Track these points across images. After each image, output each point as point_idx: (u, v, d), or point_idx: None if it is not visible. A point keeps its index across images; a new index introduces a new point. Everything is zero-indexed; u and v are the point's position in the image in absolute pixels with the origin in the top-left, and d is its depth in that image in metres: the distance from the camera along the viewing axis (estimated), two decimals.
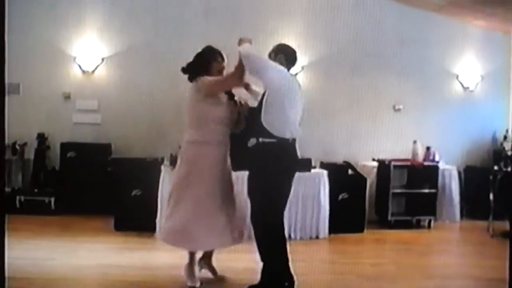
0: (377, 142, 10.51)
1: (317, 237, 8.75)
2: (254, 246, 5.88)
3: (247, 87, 6.41)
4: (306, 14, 10.40)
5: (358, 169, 9.95)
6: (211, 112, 6.06)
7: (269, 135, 5.65)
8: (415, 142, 10.26)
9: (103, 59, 10.38)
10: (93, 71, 10.38)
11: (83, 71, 10.36)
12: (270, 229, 5.77)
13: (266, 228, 5.75)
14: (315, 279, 6.61)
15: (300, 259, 6.76)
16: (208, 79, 6.11)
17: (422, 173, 10.21)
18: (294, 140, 5.75)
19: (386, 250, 8.78)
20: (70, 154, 10.02)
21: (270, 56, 6.03)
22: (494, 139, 11.33)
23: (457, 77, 11.38)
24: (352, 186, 9.42)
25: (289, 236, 8.25)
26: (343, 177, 9.50)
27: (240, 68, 5.95)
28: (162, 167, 8.79)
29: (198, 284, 6.24)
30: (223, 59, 6.47)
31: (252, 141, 5.84)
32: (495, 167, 10.02)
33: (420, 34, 10.95)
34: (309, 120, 5.88)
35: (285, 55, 6.01)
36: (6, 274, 3.77)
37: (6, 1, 3.61)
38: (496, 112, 11.19)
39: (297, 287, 5.98)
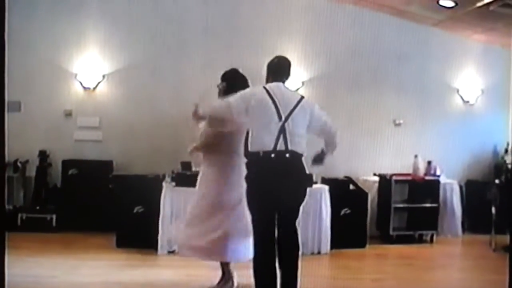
0: (378, 157, 10.52)
1: (319, 253, 8.75)
2: None
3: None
4: (305, 31, 10.43)
5: (359, 184, 9.96)
6: None
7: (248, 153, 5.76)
8: (416, 156, 10.26)
9: (104, 76, 10.39)
10: (94, 88, 10.40)
11: (84, 88, 10.38)
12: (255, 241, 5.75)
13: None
14: None
15: (302, 275, 6.74)
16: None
17: (424, 188, 10.21)
18: (268, 152, 5.50)
19: (388, 265, 8.78)
20: (71, 171, 10.03)
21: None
22: (495, 153, 11.34)
23: (458, 91, 11.40)
24: (353, 201, 9.42)
25: None
26: (345, 192, 9.51)
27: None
28: (164, 184, 8.80)
29: None
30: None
31: None
32: (496, 181, 10.03)
33: (420, 48, 10.97)
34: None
35: (267, 69, 5.99)
36: None
37: (5, 13, 3.64)
38: (497, 126, 11.18)
39: None
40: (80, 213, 9.63)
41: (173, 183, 8.72)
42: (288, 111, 5.57)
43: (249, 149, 5.68)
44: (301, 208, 5.77)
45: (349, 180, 9.89)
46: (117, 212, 8.84)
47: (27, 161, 9.94)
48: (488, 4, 8.98)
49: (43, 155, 10.04)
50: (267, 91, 5.66)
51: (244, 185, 5.80)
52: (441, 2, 9.56)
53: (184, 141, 9.90)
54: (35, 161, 10.02)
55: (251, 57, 9.30)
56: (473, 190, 11.02)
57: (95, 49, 10.36)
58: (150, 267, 7.84)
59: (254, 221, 5.71)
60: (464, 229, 10.69)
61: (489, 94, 11.44)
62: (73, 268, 7.59)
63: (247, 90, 6.02)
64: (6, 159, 4.02)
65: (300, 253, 5.76)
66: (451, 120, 11.27)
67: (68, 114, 10.36)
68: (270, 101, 5.58)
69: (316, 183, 9.09)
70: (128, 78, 10.43)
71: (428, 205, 10.10)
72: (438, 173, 10.36)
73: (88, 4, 10.35)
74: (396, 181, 10.07)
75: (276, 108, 5.55)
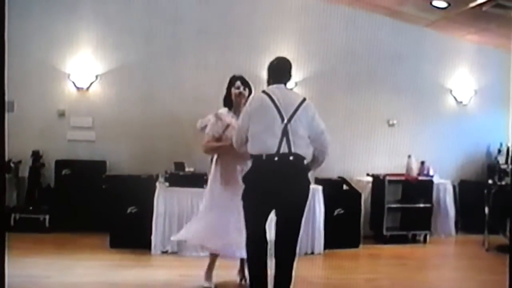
0: (372, 157, 10.53)
1: (312, 253, 8.75)
2: None
3: None
4: (299, 31, 10.45)
5: (353, 185, 9.95)
6: None
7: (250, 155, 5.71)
8: (409, 156, 10.29)
9: (97, 76, 10.37)
10: (87, 88, 10.38)
11: (78, 88, 10.35)
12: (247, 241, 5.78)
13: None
14: None
15: (296, 275, 6.75)
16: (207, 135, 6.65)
17: (417, 188, 10.23)
18: (271, 155, 5.47)
19: (381, 265, 8.79)
20: (65, 171, 10.01)
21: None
22: (488, 153, 11.37)
23: (451, 91, 11.43)
24: (347, 202, 9.44)
25: None
26: (338, 193, 9.52)
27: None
28: (157, 184, 8.80)
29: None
30: (242, 83, 6.65)
31: None
32: (490, 181, 10.06)
33: (413, 49, 10.99)
34: None
35: (269, 72, 5.98)
36: None
37: (5, 14, 3.63)
38: (490, 126, 11.21)
39: None
40: (73, 213, 9.61)
41: (167, 183, 8.72)
42: (290, 113, 5.54)
43: (251, 152, 5.65)
44: (305, 212, 5.77)
45: (342, 180, 9.89)
46: (110, 212, 8.81)
47: (20, 161, 9.91)
48: (481, 4, 8.99)
49: (36, 155, 10.02)
50: (267, 95, 5.64)
51: None
52: (434, 3, 9.57)
53: (178, 141, 9.98)
54: (28, 161, 9.99)
55: (245, 57, 9.30)
56: (466, 190, 11.05)
57: (88, 49, 10.33)
58: (143, 267, 7.83)
59: (248, 221, 5.71)
60: (457, 229, 10.72)
61: (483, 95, 11.47)
62: (66, 268, 7.58)
63: (248, 102, 6.03)
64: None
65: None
66: (444, 120, 11.29)
67: (61, 114, 10.33)
68: (271, 104, 5.56)
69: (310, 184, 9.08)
70: (122, 79, 10.41)
71: (421, 205, 10.12)
72: (431, 173, 10.38)
73: (81, 4, 10.32)
74: (390, 181, 10.09)
75: (278, 111, 5.53)
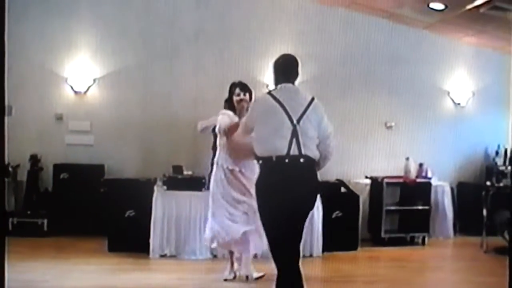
0: (370, 159, 10.54)
1: (310, 256, 8.73)
2: None
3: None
4: (296, 34, 10.46)
5: (351, 187, 9.94)
6: None
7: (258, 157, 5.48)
8: (407, 159, 10.29)
9: (94, 80, 10.37)
10: (85, 92, 10.37)
11: (75, 92, 10.34)
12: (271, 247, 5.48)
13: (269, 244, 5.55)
14: None
15: None
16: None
17: (415, 190, 10.22)
18: (281, 157, 5.21)
19: (380, 267, 8.78)
20: (63, 175, 10.00)
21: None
22: (486, 155, 11.36)
23: (448, 93, 11.43)
24: (345, 204, 9.43)
25: None
26: (336, 195, 9.51)
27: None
28: (155, 188, 8.80)
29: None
30: (242, 89, 6.73)
31: None
32: (488, 183, 10.06)
33: (411, 51, 10.98)
34: None
35: (274, 71, 5.77)
36: None
37: (5, 14, 3.63)
38: (488, 128, 11.21)
39: None
40: (71, 217, 9.61)
41: (165, 187, 8.72)
42: (300, 113, 5.32)
43: (259, 154, 5.39)
44: (309, 215, 5.61)
45: (340, 182, 9.88)
46: (108, 216, 8.81)
47: (18, 165, 9.90)
48: (478, 6, 9.00)
49: (34, 159, 10.01)
50: (273, 96, 5.43)
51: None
52: (431, 5, 9.58)
53: (176, 144, 9.99)
54: (26, 165, 9.98)
55: (243, 60, 9.32)
56: (464, 192, 11.05)
57: (86, 53, 10.33)
58: (142, 271, 7.82)
59: (268, 230, 5.46)
60: (455, 231, 10.72)
61: (480, 97, 11.46)
62: (65, 272, 7.58)
63: (253, 105, 5.94)
64: None
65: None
66: (442, 122, 11.28)
67: (59, 118, 10.33)
68: (277, 106, 5.32)
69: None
70: (119, 82, 10.41)
71: (419, 207, 10.12)
72: (429, 175, 10.39)
73: (79, 8, 10.32)
74: (388, 184, 10.09)
75: (285, 112, 5.29)
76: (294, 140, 5.22)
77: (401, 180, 10.27)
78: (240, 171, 6.84)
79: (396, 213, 10.26)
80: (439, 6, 9.52)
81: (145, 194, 8.64)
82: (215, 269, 7.23)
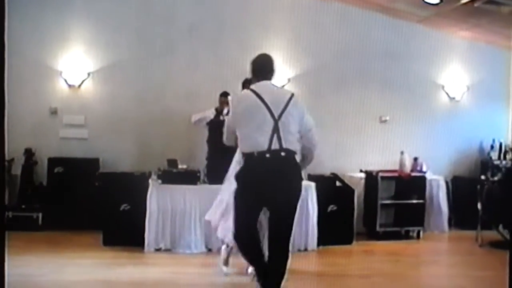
0: (364, 153, 10.55)
1: (305, 250, 8.73)
2: None
3: None
4: (291, 28, 10.46)
5: (346, 181, 9.95)
6: None
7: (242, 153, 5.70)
8: (402, 153, 10.29)
9: (89, 74, 10.34)
10: (79, 86, 10.35)
11: (69, 86, 10.32)
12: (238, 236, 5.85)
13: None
14: None
15: (289, 272, 6.75)
16: None
17: (410, 184, 10.23)
18: (263, 152, 5.44)
19: (375, 261, 8.77)
20: (57, 169, 9.98)
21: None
22: (481, 149, 11.37)
23: (443, 87, 11.43)
24: (340, 198, 9.42)
25: None
26: (331, 189, 9.52)
27: None
28: (150, 181, 8.78)
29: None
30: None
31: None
32: (482, 177, 10.07)
33: (406, 45, 10.97)
34: None
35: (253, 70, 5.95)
36: None
37: (5, 14, 3.62)
38: (483, 122, 11.23)
39: None
40: (66, 211, 9.59)
41: (159, 181, 8.70)
42: (280, 109, 5.50)
43: (243, 151, 5.62)
44: (297, 208, 5.71)
45: (335, 176, 9.89)
46: (103, 210, 8.80)
47: (12, 159, 9.86)
48: (473, 1, 9.00)
49: (28, 153, 9.99)
50: (254, 92, 5.60)
51: None
52: None
53: (171, 138, 9.97)
54: (21, 159, 9.96)
55: (237, 54, 9.30)
56: (459, 186, 11.06)
57: (80, 46, 10.31)
58: (137, 265, 7.81)
59: (239, 217, 5.71)
60: (451, 225, 10.73)
61: (475, 91, 11.48)
62: (60, 266, 7.56)
63: (234, 101, 6.09)
64: None
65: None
66: (437, 116, 11.29)
67: (54, 112, 10.31)
68: (259, 102, 5.50)
69: (302, 180, 9.07)
70: (114, 76, 10.39)
71: (414, 201, 10.13)
72: (424, 169, 10.39)
73: (73, 2, 10.30)
74: (383, 178, 10.10)
75: (267, 108, 5.48)
76: (275, 135, 5.43)
77: (396, 174, 10.27)
78: None
79: (391, 207, 10.27)
80: (434, 0, 9.52)
81: (140, 188, 8.64)
82: (210, 263, 7.23)
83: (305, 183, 8.82)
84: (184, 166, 9.07)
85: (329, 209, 9.17)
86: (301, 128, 5.66)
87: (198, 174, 8.64)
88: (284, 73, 10.29)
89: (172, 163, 8.96)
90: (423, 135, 10.95)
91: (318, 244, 8.79)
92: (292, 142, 5.52)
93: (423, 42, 11.13)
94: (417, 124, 11.03)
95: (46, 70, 10.24)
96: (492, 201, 9.36)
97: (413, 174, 10.32)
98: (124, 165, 10.04)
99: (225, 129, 5.96)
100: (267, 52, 6.22)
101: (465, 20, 10.32)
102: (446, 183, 10.82)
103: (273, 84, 5.86)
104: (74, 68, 10.27)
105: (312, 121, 5.85)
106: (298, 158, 5.68)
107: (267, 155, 5.41)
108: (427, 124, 11.11)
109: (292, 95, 5.70)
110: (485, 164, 11.04)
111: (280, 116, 5.47)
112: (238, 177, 5.69)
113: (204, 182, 8.75)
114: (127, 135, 10.34)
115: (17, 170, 9.98)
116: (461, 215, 10.67)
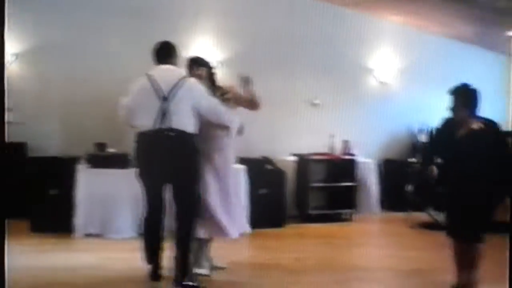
0: (296, 137, 10.58)
1: None
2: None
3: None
4: (221, 12, 10.38)
5: (278, 164, 9.96)
6: None
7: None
8: (332, 136, 10.34)
9: (16, 56, 10.07)
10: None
11: None
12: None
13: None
14: (236, 275, 6.62)
15: (221, 255, 6.73)
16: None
17: (341, 167, 10.32)
18: (147, 131, 5.75)
19: (307, 244, 8.79)
20: None
21: None
22: (411, 132, 11.48)
23: (373, 71, 11.51)
24: (271, 181, 9.46)
25: None
26: (262, 172, 9.51)
27: None
28: (79, 166, 8.62)
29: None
30: (196, 64, 6.59)
31: None
32: (412, 159, 10.20)
33: (336, 30, 10.97)
34: None
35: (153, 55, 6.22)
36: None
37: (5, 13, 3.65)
38: (413, 105, 11.35)
39: (218, 284, 6.14)
40: None
41: (88, 165, 8.56)
42: (170, 91, 5.75)
43: (133, 128, 5.99)
44: (197, 182, 6.06)
45: (266, 160, 9.89)
46: (31, 195, 8.61)
47: None
48: None
49: None
50: (147, 75, 5.89)
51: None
52: None
53: (102, 121, 9.78)
54: None
55: (168, 36, 9.15)
56: (391, 169, 11.17)
57: (5, 26, 10.01)
58: (67, 251, 7.70)
59: (143, 192, 6.01)
60: (383, 207, 10.84)
61: (405, 74, 11.59)
62: None
63: (131, 85, 6.14)
64: None
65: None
66: (368, 100, 11.38)
67: None
68: (148, 84, 5.82)
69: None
70: (42, 58, 10.09)
71: (346, 184, 10.20)
72: (355, 152, 10.46)
73: None
74: (314, 161, 10.16)
75: (154, 89, 5.76)
76: (161, 115, 5.72)
77: (326, 157, 10.33)
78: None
79: (322, 190, 10.36)
80: None
81: (69, 172, 8.48)
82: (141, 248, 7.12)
83: (236, 166, 8.82)
84: (113, 150, 8.96)
85: (260, 192, 9.16)
86: (201, 109, 5.89)
87: (128, 158, 8.52)
88: (213, 56, 10.19)
89: (101, 146, 8.84)
90: (354, 119, 11.02)
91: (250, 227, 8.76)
92: (182, 122, 5.77)
93: (354, 26, 11.15)
94: (348, 107, 11.09)
95: None
96: (422, 184, 9.47)
97: (344, 157, 10.39)
98: (53, 150, 9.81)
99: (118, 108, 6.22)
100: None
101: (396, 4, 10.40)
102: (378, 166, 10.93)
103: (169, 67, 6.07)
104: None
105: (215, 100, 6.18)
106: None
107: (151, 134, 5.73)
108: (358, 108, 11.19)
109: (185, 77, 5.96)
110: (415, 147, 11.16)
111: (168, 97, 5.73)
112: (134, 156, 6.12)
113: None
114: (56, 118, 10.09)
115: None
116: (393, 198, 10.77)
